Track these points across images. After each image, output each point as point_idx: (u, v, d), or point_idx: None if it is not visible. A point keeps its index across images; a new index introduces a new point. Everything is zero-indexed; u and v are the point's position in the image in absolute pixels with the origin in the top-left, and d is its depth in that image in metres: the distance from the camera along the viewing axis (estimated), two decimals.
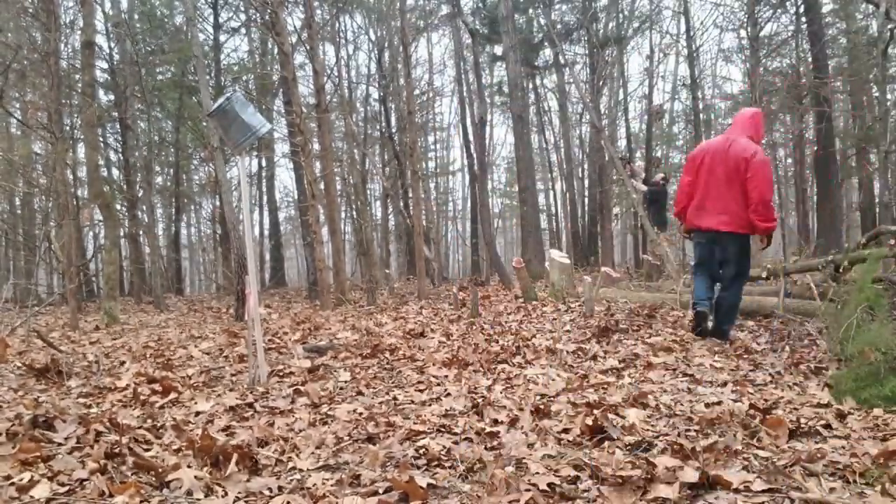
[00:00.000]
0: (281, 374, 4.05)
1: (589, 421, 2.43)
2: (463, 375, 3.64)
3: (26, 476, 1.95)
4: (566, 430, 2.46)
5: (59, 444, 2.35)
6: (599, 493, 1.84)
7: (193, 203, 20.91)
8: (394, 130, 16.94)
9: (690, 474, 1.87)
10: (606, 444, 2.29)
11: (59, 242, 9.13)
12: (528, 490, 1.84)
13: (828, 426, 2.42)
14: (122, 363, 4.69)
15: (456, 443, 2.39)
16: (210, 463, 2.18)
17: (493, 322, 6.00)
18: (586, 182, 19.17)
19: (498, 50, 18.12)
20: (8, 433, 2.36)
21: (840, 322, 3.57)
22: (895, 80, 13.13)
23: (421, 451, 2.28)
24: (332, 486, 2.01)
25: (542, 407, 2.76)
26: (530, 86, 19.56)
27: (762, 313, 5.33)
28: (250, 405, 3.20)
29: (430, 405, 2.99)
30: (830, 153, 12.15)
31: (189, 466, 2.12)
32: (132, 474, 2.07)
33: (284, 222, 24.49)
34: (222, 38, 15.74)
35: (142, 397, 3.40)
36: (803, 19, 13.17)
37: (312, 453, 2.37)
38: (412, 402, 3.11)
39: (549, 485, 1.89)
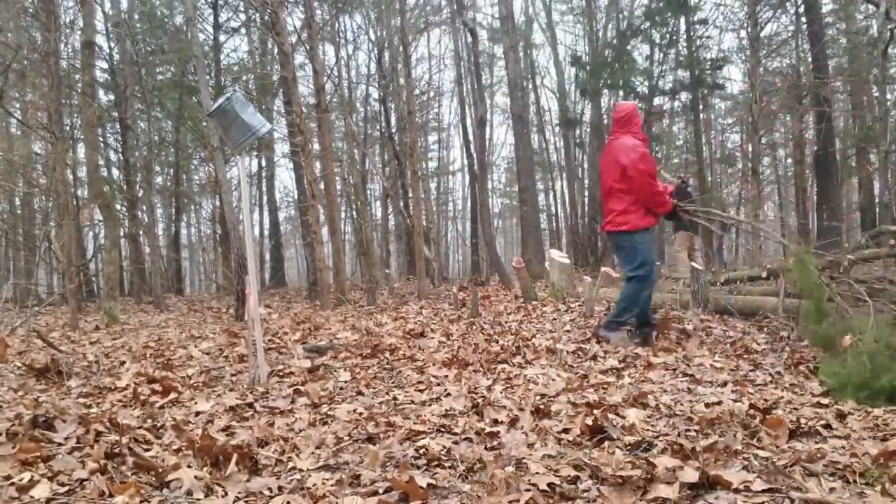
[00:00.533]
0: (281, 374, 4.05)
1: (589, 421, 2.43)
2: (463, 375, 3.64)
3: (26, 476, 1.95)
4: (566, 430, 2.46)
5: (59, 444, 2.34)
6: (599, 493, 1.84)
7: (193, 203, 20.93)
8: (394, 130, 16.94)
9: (690, 474, 1.87)
10: (606, 444, 2.29)
11: (59, 242, 9.14)
12: (528, 490, 1.84)
13: (828, 426, 2.42)
14: (122, 363, 4.68)
15: (456, 443, 2.39)
16: (210, 463, 2.18)
17: (493, 322, 6.00)
18: (586, 182, 19.18)
19: (498, 51, 18.13)
20: (8, 433, 2.36)
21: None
22: (895, 80, 13.14)
23: (421, 451, 2.28)
24: (332, 486, 2.01)
25: (542, 407, 2.76)
26: (530, 86, 19.56)
27: (762, 313, 5.33)
28: (250, 405, 3.19)
29: (430, 405, 2.99)
30: (830, 153, 12.16)
31: (189, 466, 2.12)
32: (132, 474, 2.06)
33: (284, 222, 24.53)
34: (222, 38, 15.77)
35: (142, 397, 3.39)
36: (803, 19, 13.19)
37: (312, 453, 2.37)
38: (412, 402, 3.11)
39: (549, 485, 1.89)
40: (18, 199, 15.99)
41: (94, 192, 9.62)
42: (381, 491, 1.94)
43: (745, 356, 3.95)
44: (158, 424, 2.80)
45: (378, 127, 18.43)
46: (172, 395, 3.42)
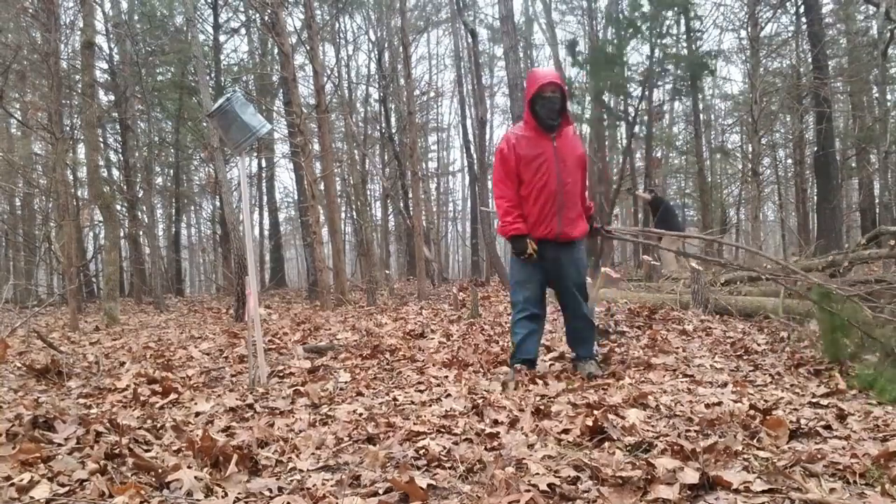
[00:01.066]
0: (281, 374, 4.05)
1: (589, 421, 2.43)
2: (463, 376, 3.64)
3: (26, 476, 1.95)
4: (566, 431, 2.46)
5: (59, 445, 2.34)
6: (599, 494, 1.84)
7: (193, 203, 20.92)
8: (394, 131, 16.94)
9: (690, 475, 1.86)
10: (606, 444, 2.29)
11: (59, 243, 9.15)
12: (528, 490, 1.84)
13: (828, 427, 2.42)
14: (122, 364, 4.68)
15: (456, 443, 2.39)
16: (210, 463, 2.18)
17: (494, 322, 6.00)
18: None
19: (498, 51, 18.14)
20: (8, 434, 2.35)
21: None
22: (895, 81, 13.14)
23: (421, 452, 2.28)
24: (332, 486, 2.01)
25: (542, 407, 2.76)
26: None
27: (762, 313, 5.33)
28: (250, 406, 3.19)
29: (430, 406, 2.99)
30: (830, 153, 12.15)
31: (189, 467, 2.12)
32: (132, 475, 2.06)
33: (284, 223, 24.49)
34: (222, 38, 15.76)
35: (142, 398, 3.39)
36: (803, 20, 13.17)
37: (312, 454, 2.37)
38: (412, 402, 3.11)
39: (549, 485, 1.89)
40: (18, 200, 15.99)
41: (94, 192, 9.62)
42: (381, 492, 1.94)
43: (745, 357, 3.95)
44: (158, 425, 2.80)
45: (378, 127, 18.42)
46: (172, 396, 3.42)
